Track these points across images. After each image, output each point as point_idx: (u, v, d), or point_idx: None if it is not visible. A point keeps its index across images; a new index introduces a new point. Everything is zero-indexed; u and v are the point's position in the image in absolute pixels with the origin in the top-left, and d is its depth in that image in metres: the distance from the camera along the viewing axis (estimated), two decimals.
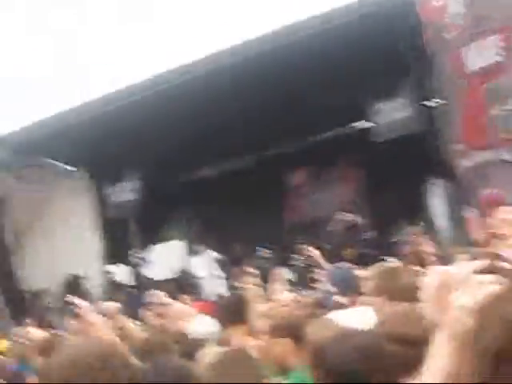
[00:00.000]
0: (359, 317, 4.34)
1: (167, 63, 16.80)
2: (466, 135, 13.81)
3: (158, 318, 8.56)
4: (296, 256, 18.31)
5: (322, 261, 9.03)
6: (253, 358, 4.21)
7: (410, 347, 2.98)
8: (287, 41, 14.51)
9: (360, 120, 18.24)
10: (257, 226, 20.04)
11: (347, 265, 6.00)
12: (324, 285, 7.58)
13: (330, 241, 18.22)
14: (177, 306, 8.28)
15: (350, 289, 5.63)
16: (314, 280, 10.26)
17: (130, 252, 20.88)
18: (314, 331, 4.12)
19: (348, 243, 17.67)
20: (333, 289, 5.63)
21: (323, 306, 6.21)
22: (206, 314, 7.81)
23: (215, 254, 18.28)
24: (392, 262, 6.44)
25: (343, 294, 5.61)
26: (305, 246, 11.14)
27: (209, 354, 4.99)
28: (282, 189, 22.16)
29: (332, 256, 15.68)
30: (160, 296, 8.42)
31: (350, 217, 18.55)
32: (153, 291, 8.47)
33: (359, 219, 18.77)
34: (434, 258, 8.73)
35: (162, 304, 8.21)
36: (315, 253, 9.39)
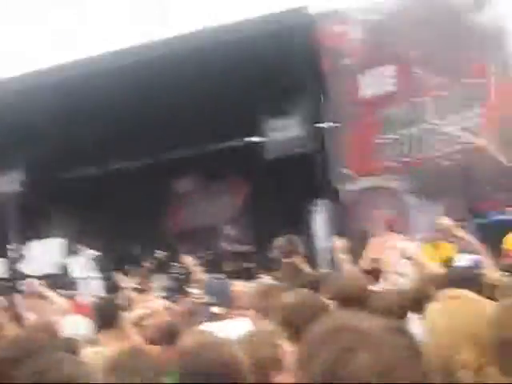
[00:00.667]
0: (233, 328, 4.38)
1: (64, 54, 16.52)
2: (353, 160, 14.09)
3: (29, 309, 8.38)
4: (176, 264, 18.30)
5: (197, 270, 9.05)
6: (150, 356, 4.16)
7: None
8: (189, 48, 14.46)
9: (252, 135, 18.35)
10: (140, 230, 19.92)
11: (223, 277, 6.04)
12: (199, 294, 7.56)
13: (212, 252, 18.30)
14: (52, 296, 8.09)
15: (226, 300, 5.64)
16: (188, 289, 10.27)
17: (7, 245, 20.36)
18: (187, 339, 4.14)
19: (228, 256, 17.78)
20: (209, 299, 5.62)
21: (195, 314, 6.22)
22: (80, 314, 7.66)
23: (94, 253, 17.98)
24: (267, 281, 6.49)
25: (219, 304, 5.62)
26: (183, 255, 11.18)
27: (92, 354, 4.88)
28: (167, 195, 22.05)
29: (212, 267, 15.82)
30: (36, 284, 8.23)
31: (232, 231, 18.65)
32: (29, 280, 8.25)
33: (240, 233, 18.92)
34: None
35: (38, 293, 8.02)
36: (191, 262, 9.41)
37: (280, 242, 17.27)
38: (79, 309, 9.31)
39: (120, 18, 20.90)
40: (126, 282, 8.86)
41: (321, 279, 7.23)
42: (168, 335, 4.93)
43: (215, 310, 5.62)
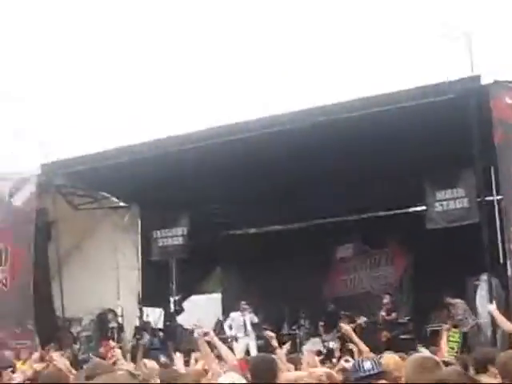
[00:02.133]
0: None
1: (229, 117, 16.91)
2: None
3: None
4: (341, 325, 18.16)
5: (356, 338, 9.00)
6: None
7: None
8: (360, 114, 14.50)
9: (416, 204, 18.16)
10: (295, 293, 19.97)
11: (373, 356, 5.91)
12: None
13: (369, 320, 18.07)
14: (225, 350, 8.21)
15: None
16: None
17: (168, 297, 20.94)
18: None
19: (385, 325, 17.50)
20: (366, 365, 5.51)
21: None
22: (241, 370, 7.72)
23: (252, 314, 18.17)
24: (423, 353, 6.31)
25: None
26: (340, 324, 11.17)
27: None
28: (327, 260, 22.03)
29: (368, 335, 15.61)
30: (212, 334, 8.37)
31: (391, 300, 18.36)
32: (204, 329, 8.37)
33: (399, 303, 18.63)
34: None
35: (210, 341, 8.15)
36: (349, 331, 9.36)
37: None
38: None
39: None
40: (276, 343, 8.88)
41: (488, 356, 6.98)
42: None
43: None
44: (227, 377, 6.14)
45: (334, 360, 11.48)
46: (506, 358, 5.15)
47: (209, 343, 8.16)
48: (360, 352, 8.61)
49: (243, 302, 18.26)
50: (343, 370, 7.25)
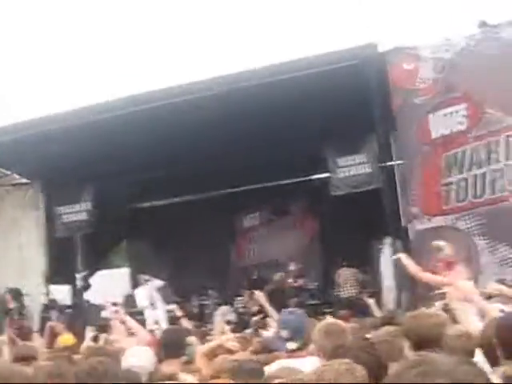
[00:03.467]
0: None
1: (141, 86, 16.73)
2: (422, 199, 13.96)
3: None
4: (238, 298, 18.32)
5: (267, 305, 9.12)
6: None
7: None
8: (259, 83, 14.52)
9: (320, 171, 18.34)
10: (204, 263, 20.02)
11: (300, 310, 5.95)
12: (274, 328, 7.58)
13: (275, 287, 18.25)
14: (137, 326, 8.17)
15: (302, 335, 5.57)
16: (261, 323, 10.28)
17: (74, 273, 20.67)
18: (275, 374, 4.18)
19: (292, 292, 17.72)
20: (284, 333, 5.55)
21: (270, 350, 6.19)
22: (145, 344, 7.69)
23: (159, 283, 18.09)
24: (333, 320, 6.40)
25: (294, 339, 5.54)
26: (253, 291, 11.23)
27: None
28: (232, 229, 22.13)
29: (275, 303, 15.75)
30: (121, 312, 8.33)
31: (297, 266, 18.60)
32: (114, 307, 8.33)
33: (306, 270, 18.89)
34: None
35: (120, 319, 8.10)
36: (262, 297, 9.45)
37: (345, 277, 17.35)
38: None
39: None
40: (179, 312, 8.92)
41: (393, 319, 7.19)
42: (250, 372, 4.89)
43: (292, 345, 5.54)
44: (133, 351, 6.13)
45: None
46: (410, 318, 5.27)
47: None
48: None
49: (142, 276, 18.18)
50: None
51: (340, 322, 5.98)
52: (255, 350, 6.92)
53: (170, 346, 6.03)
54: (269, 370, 4.93)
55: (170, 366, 5.76)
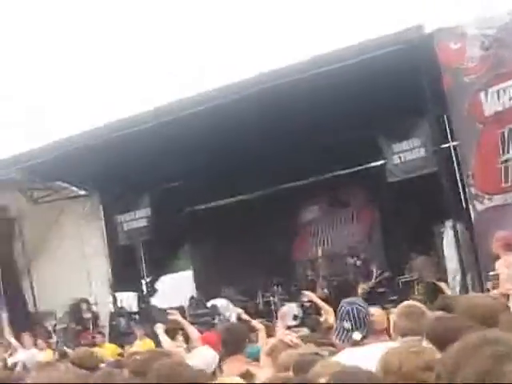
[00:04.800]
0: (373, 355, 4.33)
1: (180, 93, 16.80)
2: (481, 179, 13.74)
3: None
4: (305, 293, 18.28)
5: (319, 301, 9.18)
6: None
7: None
8: (311, 73, 14.44)
9: (375, 159, 18.21)
10: (266, 260, 20.02)
11: (359, 300, 5.90)
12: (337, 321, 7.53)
13: (340, 278, 18.21)
14: (189, 327, 8.23)
15: (364, 325, 5.53)
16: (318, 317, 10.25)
17: (139, 280, 20.90)
18: (318, 370, 4.13)
19: (361, 280, 17.64)
20: (346, 324, 5.49)
21: (334, 342, 6.14)
22: (211, 344, 7.73)
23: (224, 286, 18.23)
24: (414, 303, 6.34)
25: (358, 329, 5.49)
26: (304, 292, 11.32)
27: None
28: (293, 225, 22.08)
29: (344, 291, 15.72)
30: (177, 315, 8.40)
31: (361, 257, 18.52)
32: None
33: (369, 260, 18.76)
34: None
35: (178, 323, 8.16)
36: (310, 295, 9.54)
37: (415, 265, 17.21)
38: (210, 339, 9.41)
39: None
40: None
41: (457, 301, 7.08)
42: (302, 366, 4.86)
43: (356, 336, 5.49)
44: (197, 352, 6.16)
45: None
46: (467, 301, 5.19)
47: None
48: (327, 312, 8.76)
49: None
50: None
51: (419, 304, 5.93)
52: (317, 344, 6.86)
53: (230, 344, 6.02)
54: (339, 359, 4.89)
55: (232, 364, 5.76)
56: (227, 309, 17.92)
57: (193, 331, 8.39)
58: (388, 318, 6.65)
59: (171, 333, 11.26)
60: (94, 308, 19.39)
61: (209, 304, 18.73)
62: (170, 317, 8.31)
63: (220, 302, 18.45)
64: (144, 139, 15.98)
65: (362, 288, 17.26)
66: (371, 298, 14.99)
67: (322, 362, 4.47)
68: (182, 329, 8.72)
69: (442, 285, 10.91)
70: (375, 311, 6.46)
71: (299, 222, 22.04)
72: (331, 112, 15.37)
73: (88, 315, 18.91)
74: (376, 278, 17.85)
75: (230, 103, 15.03)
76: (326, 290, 17.91)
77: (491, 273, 8.56)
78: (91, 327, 18.55)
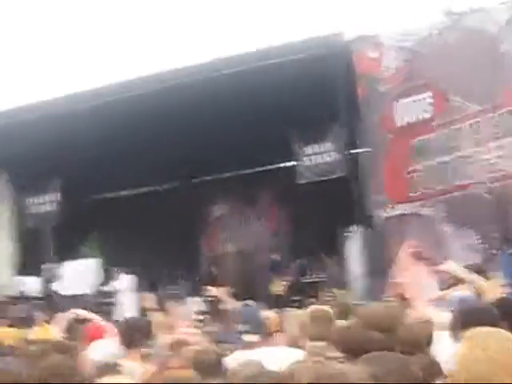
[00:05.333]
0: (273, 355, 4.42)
1: (98, 81, 16.65)
2: (388, 187, 14.03)
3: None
4: (209, 288, 18.29)
5: (227, 298, 9.19)
6: None
7: None
8: (224, 73, 14.51)
9: (286, 160, 18.40)
10: (174, 252, 19.97)
11: (255, 304, 6.00)
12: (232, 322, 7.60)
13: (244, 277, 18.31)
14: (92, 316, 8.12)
15: (259, 328, 5.62)
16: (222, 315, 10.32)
17: (43, 265, 20.56)
18: (238, 369, 4.17)
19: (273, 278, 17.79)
20: (242, 327, 5.59)
21: (222, 341, 6.20)
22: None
23: (129, 275, 18.06)
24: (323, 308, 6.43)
25: (252, 332, 5.59)
26: (208, 287, 11.41)
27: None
28: (202, 219, 22.10)
29: (259, 290, 15.87)
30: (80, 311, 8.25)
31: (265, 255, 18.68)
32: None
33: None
34: None
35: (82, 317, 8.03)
36: (218, 292, 9.57)
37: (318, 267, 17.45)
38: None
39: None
40: (151, 303, 8.90)
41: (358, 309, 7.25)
42: (210, 363, 4.90)
43: (249, 337, 5.57)
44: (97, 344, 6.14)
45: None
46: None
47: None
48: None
49: (118, 265, 18.15)
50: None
51: (327, 308, 6.01)
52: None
53: (130, 337, 5.99)
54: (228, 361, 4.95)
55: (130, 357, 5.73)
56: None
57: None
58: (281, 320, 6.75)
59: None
60: None
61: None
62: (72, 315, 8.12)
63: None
64: (59, 123, 15.76)
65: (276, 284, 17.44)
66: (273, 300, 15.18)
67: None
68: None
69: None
70: (269, 314, 6.57)
71: (207, 218, 22.08)
72: (247, 110, 15.47)
73: None
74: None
75: (146, 94, 14.97)
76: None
77: (395, 279, 8.69)
78: None
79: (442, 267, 6.32)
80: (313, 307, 5.95)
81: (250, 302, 5.90)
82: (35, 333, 12.29)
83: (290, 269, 18.50)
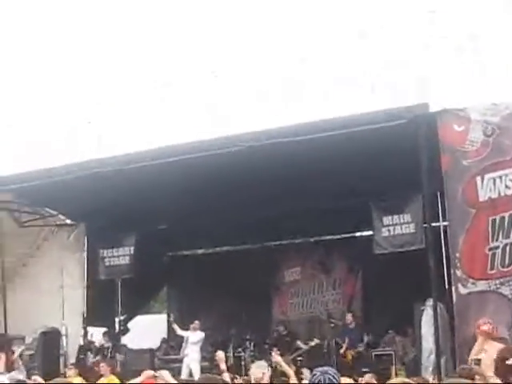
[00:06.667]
0: None
1: (177, 138, 16.79)
2: (467, 263, 13.72)
3: None
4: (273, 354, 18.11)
5: (284, 364, 9.33)
6: None
7: None
8: (307, 139, 14.47)
9: (364, 229, 18.25)
10: (244, 315, 19.89)
11: (332, 370, 5.78)
12: None
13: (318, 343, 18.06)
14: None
15: None
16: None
17: (114, 317, 20.72)
18: None
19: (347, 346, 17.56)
20: None
21: None
22: None
23: (201, 334, 18.01)
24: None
25: None
26: (274, 354, 11.44)
27: None
28: (275, 283, 22.01)
29: (316, 359, 15.62)
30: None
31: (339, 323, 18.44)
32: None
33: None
34: None
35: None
36: (277, 358, 9.65)
37: (391, 340, 17.16)
38: None
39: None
40: (224, 366, 8.85)
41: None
42: None
43: None
44: None
45: None
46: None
47: None
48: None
49: (196, 322, 18.10)
50: None
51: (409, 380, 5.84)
52: None
53: None
54: None
55: None
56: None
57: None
58: None
59: None
60: (64, 339, 19.15)
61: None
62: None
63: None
64: (137, 178, 15.92)
65: (348, 353, 17.21)
66: (341, 368, 14.88)
67: None
68: None
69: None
70: (344, 380, 6.42)
71: (280, 282, 21.98)
72: (330, 177, 15.45)
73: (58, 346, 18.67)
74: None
75: (224, 154, 15.00)
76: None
77: (473, 357, 8.49)
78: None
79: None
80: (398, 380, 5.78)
81: (326, 368, 5.72)
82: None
83: (362, 339, 18.21)
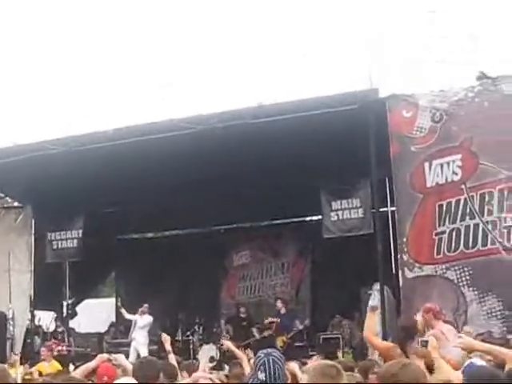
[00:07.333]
0: None
1: (131, 120, 16.66)
2: (414, 247, 13.90)
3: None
4: (223, 335, 18.18)
5: (234, 349, 9.38)
6: None
7: None
8: (255, 124, 14.47)
9: (313, 213, 18.36)
10: (192, 298, 19.92)
11: (276, 352, 5.82)
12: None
13: (263, 327, 18.15)
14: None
15: (279, 378, 5.46)
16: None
17: (60, 300, 20.55)
18: None
19: (281, 332, 17.62)
20: (261, 375, 5.42)
21: None
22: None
23: (148, 317, 17.97)
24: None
25: (272, 381, 5.43)
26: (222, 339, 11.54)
27: None
28: (224, 267, 22.04)
29: (264, 342, 15.70)
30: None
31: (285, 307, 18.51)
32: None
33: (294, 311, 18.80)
34: None
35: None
36: (227, 343, 9.69)
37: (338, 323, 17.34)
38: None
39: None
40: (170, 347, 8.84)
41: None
42: None
43: None
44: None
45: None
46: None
47: None
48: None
49: (145, 305, 18.05)
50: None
51: (336, 363, 5.88)
52: None
53: (142, 378, 5.90)
54: None
55: None
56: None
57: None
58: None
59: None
60: (11, 323, 18.93)
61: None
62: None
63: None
64: (86, 160, 15.78)
65: (281, 340, 17.25)
66: (289, 351, 14.98)
67: None
68: None
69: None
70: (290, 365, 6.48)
71: (229, 265, 22.02)
72: (278, 162, 15.49)
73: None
74: (296, 331, 17.85)
75: (174, 137, 14.96)
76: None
77: (423, 338, 8.59)
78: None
79: (458, 342, 6.14)
80: (323, 362, 5.81)
81: (271, 350, 5.76)
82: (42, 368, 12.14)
83: (307, 323, 18.37)
